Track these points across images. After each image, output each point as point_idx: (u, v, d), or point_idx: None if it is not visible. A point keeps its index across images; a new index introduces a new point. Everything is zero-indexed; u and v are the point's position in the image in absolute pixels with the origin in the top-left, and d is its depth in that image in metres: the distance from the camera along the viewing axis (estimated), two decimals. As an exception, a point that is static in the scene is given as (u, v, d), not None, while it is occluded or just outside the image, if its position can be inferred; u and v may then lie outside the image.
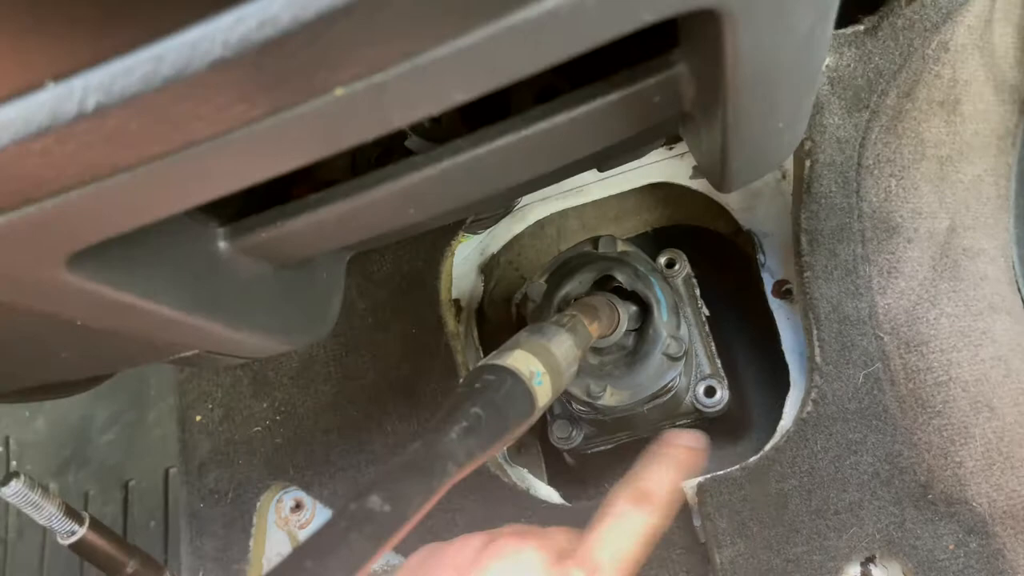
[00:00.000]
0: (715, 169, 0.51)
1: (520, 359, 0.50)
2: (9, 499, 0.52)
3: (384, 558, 0.81)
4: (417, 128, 0.63)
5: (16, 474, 0.53)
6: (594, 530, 0.53)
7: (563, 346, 0.54)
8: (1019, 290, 0.83)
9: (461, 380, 0.48)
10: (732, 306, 0.86)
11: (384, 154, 0.63)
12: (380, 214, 0.49)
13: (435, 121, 0.63)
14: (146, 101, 0.25)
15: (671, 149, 0.86)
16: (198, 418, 0.89)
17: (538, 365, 0.50)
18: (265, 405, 0.85)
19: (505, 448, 0.80)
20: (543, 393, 0.50)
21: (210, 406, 0.88)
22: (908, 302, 0.71)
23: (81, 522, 0.55)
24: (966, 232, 0.78)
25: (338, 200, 0.46)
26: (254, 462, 0.84)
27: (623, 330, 0.68)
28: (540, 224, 0.94)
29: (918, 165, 0.74)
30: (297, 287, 0.55)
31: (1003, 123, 0.86)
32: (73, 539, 0.54)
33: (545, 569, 0.48)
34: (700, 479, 0.69)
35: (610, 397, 0.69)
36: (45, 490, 0.54)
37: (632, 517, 0.54)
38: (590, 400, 0.69)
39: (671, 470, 0.57)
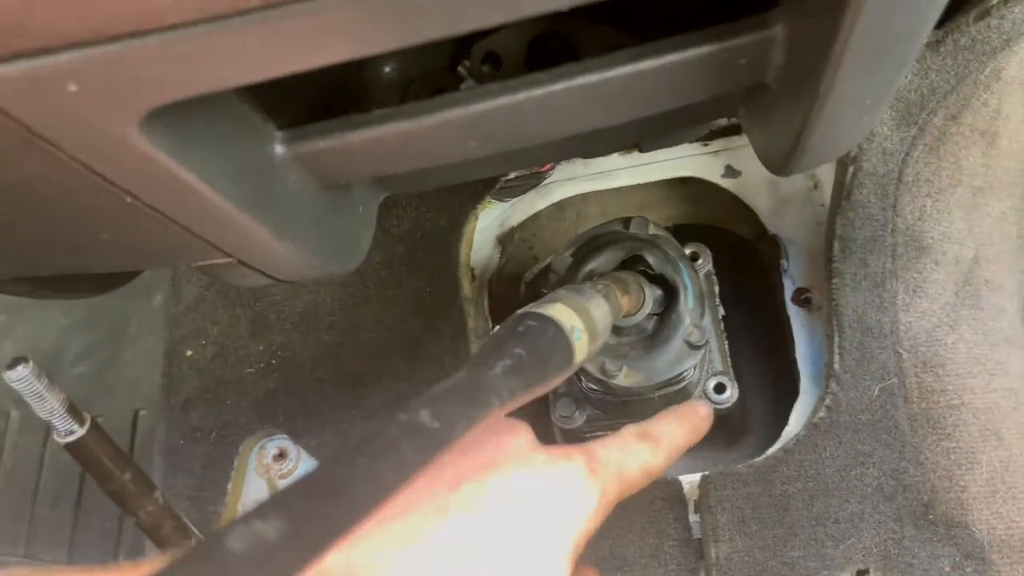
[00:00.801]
0: (782, 148, 0.50)
1: (562, 312, 0.48)
2: (14, 384, 0.49)
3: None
4: (474, 73, 0.62)
5: (24, 359, 0.50)
6: (597, 442, 0.51)
7: (600, 310, 0.53)
8: (1029, 331, 0.83)
9: (499, 327, 0.47)
10: (747, 310, 0.85)
11: (438, 93, 0.62)
12: (438, 141, 0.47)
13: (494, 68, 0.62)
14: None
15: (706, 145, 0.85)
16: (189, 353, 0.86)
17: (578, 321, 0.49)
18: (262, 348, 0.83)
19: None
20: (581, 349, 0.49)
21: (203, 342, 0.85)
22: (929, 323, 0.71)
23: (82, 422, 0.52)
24: (989, 264, 0.78)
25: (400, 119, 0.45)
26: (243, 404, 0.82)
27: (646, 312, 0.67)
28: (560, 206, 0.93)
29: (953, 190, 0.74)
30: (337, 213, 0.53)
31: (1033, 165, 0.86)
32: (71, 438, 0.52)
33: (541, 448, 0.46)
34: (706, 472, 0.69)
35: (625, 378, 0.68)
36: (51, 382, 0.52)
37: (636, 446, 0.52)
38: (604, 378, 0.67)
39: (682, 427, 0.55)
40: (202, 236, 0.42)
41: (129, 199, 0.38)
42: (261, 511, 0.28)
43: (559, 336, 0.46)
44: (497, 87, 0.43)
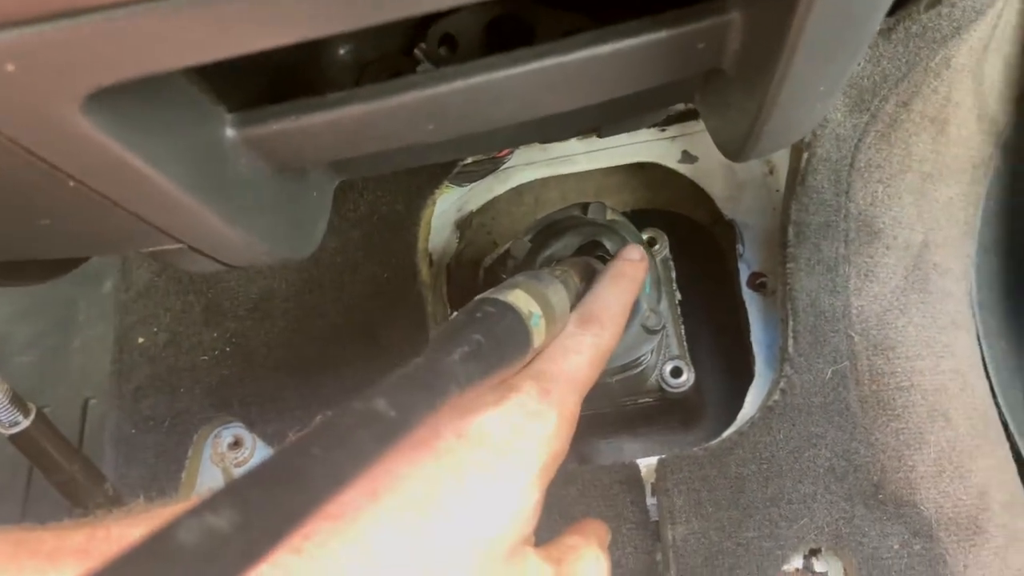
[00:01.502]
0: (737, 134, 0.50)
1: (520, 298, 0.48)
2: (-47, 375, 0.48)
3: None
4: (431, 56, 0.61)
5: (-35, 349, 0.48)
6: (543, 352, 0.51)
7: (558, 295, 0.53)
8: (974, 314, 0.85)
9: (456, 313, 0.46)
10: (703, 294, 0.86)
11: (395, 76, 0.61)
12: (394, 125, 0.46)
13: (451, 50, 0.61)
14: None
15: (663, 131, 0.86)
16: (140, 340, 0.84)
17: (536, 308, 0.49)
18: (215, 335, 0.81)
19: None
20: (539, 335, 0.49)
21: (155, 329, 0.84)
22: (880, 307, 0.72)
23: (27, 413, 0.50)
24: (937, 249, 0.80)
25: (355, 103, 0.44)
26: (196, 392, 0.80)
27: (604, 297, 0.67)
28: (518, 191, 0.93)
29: (904, 176, 0.76)
30: (290, 198, 0.52)
31: (980, 152, 0.88)
32: (16, 429, 0.50)
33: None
34: (663, 456, 0.69)
35: (583, 362, 0.68)
36: (-6, 372, 0.50)
37: (580, 337, 0.52)
38: (563, 363, 0.67)
39: (617, 289, 0.56)
40: (150, 222, 0.41)
41: (72, 184, 0.37)
42: (212, 503, 0.27)
43: (517, 322, 0.46)
44: (453, 70, 0.43)
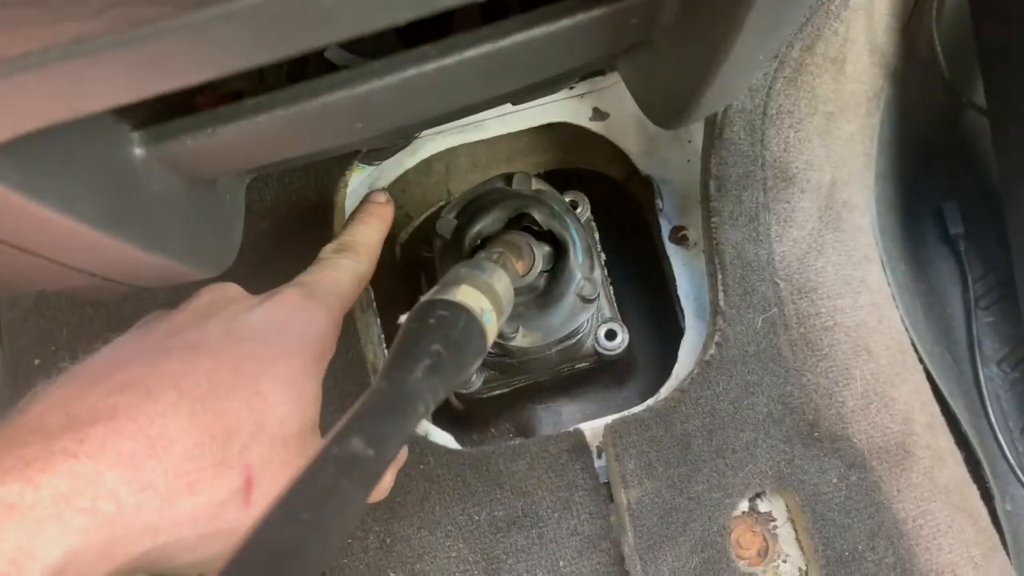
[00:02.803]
0: (671, 104, 0.49)
1: (469, 295, 0.46)
2: None
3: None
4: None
5: None
6: (304, 273, 0.56)
7: (502, 283, 0.51)
8: (877, 242, 0.89)
9: (408, 315, 0.44)
10: (625, 252, 0.86)
11: (297, 64, 0.57)
12: (320, 127, 0.43)
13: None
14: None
15: (571, 89, 0.84)
16: (36, 362, 0.77)
17: (486, 302, 0.47)
18: (123, 347, 0.75)
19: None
20: (492, 331, 0.47)
21: (53, 348, 0.77)
22: (800, 250, 0.74)
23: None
24: (844, 186, 0.82)
25: (276, 107, 0.40)
26: (109, 411, 0.75)
27: (538, 270, 0.66)
28: (428, 161, 0.89)
29: (811, 119, 0.77)
30: (206, 209, 0.48)
31: (872, 85, 0.91)
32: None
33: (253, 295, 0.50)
34: (608, 420, 0.69)
35: (522, 339, 0.67)
36: None
37: (338, 259, 0.57)
38: (502, 341, 0.66)
39: (371, 226, 0.62)
40: (62, 263, 0.37)
41: (-30, 235, 0.32)
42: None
43: (471, 322, 0.44)
44: (383, 65, 0.40)
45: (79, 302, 0.77)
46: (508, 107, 0.83)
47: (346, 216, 0.78)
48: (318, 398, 0.46)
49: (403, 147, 0.78)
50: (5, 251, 0.34)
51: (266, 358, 0.44)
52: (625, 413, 0.70)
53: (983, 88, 0.91)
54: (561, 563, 0.67)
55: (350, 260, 0.57)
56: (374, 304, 0.79)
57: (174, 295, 0.76)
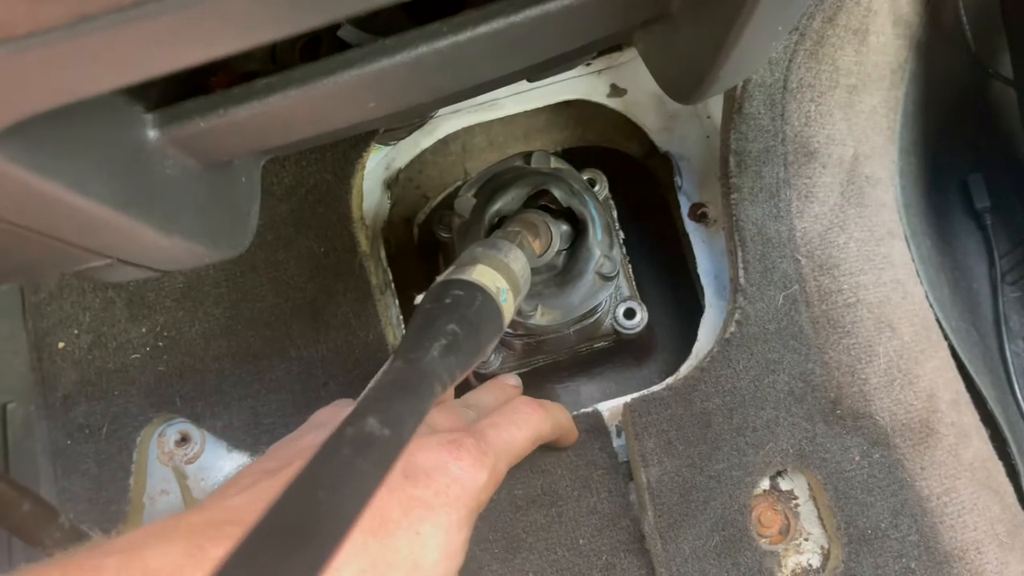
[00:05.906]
0: (689, 78, 0.48)
1: (485, 275, 0.46)
2: None
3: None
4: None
5: None
6: (491, 415, 0.57)
7: (519, 262, 0.51)
8: (901, 217, 0.88)
9: (423, 295, 0.44)
10: (644, 230, 0.86)
11: (311, 44, 0.56)
12: (333, 106, 0.43)
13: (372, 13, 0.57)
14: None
15: (588, 65, 0.83)
16: (61, 344, 0.78)
17: (502, 281, 0.47)
18: (144, 330, 0.76)
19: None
20: (508, 310, 0.47)
21: (76, 331, 0.78)
22: (821, 226, 0.73)
23: (-38, 463, 0.46)
24: (867, 160, 0.81)
25: (289, 87, 0.40)
26: (132, 393, 0.75)
27: (556, 249, 0.66)
28: (444, 141, 0.89)
29: (832, 92, 0.75)
30: (222, 191, 0.48)
31: (896, 57, 0.89)
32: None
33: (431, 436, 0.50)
34: (627, 399, 0.69)
35: (541, 317, 0.67)
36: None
37: (528, 415, 0.58)
38: (521, 320, 0.66)
39: (557, 416, 0.63)
40: (78, 244, 0.37)
41: (-13, 217, 0.32)
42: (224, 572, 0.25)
43: (487, 302, 0.44)
44: (394, 42, 0.39)
45: (100, 286, 0.78)
46: (524, 84, 0.83)
47: (364, 197, 0.78)
48: (465, 547, 0.49)
49: (419, 126, 0.78)
50: (23, 234, 0.34)
51: (433, 505, 0.46)
52: (644, 392, 0.69)
53: (1010, 58, 0.89)
54: (581, 541, 0.67)
55: (539, 420, 0.58)
56: (392, 286, 0.79)
57: (193, 277, 0.77)
